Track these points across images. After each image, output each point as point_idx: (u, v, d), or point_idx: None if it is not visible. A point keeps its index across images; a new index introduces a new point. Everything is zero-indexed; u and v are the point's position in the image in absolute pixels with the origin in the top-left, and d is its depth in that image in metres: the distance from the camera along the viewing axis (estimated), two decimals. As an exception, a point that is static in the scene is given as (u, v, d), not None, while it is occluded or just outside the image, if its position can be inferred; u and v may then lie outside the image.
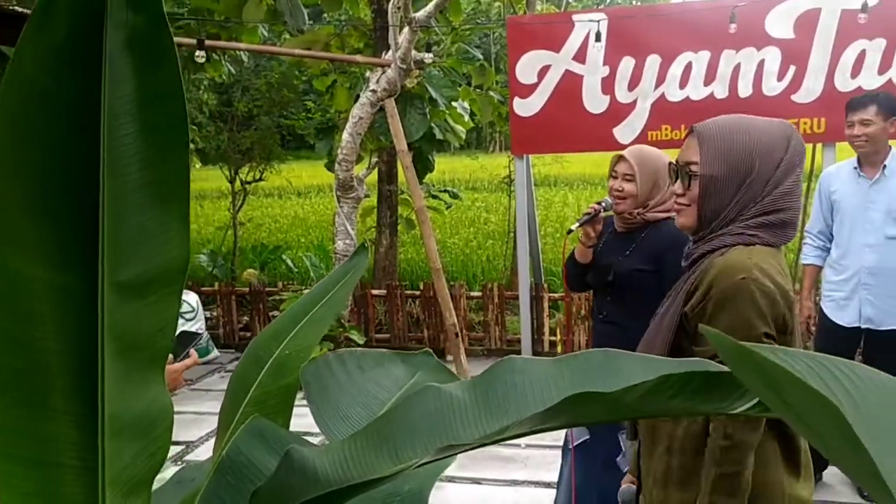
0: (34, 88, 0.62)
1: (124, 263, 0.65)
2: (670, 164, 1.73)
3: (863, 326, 3.62)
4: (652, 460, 1.65)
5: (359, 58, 6.06)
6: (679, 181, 1.67)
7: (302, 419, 1.07)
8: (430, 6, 5.26)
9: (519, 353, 4.92)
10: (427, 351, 1.06)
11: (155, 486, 0.83)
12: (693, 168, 1.61)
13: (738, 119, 1.64)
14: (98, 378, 0.65)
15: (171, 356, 1.58)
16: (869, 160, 3.56)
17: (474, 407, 0.70)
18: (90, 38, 0.63)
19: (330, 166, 6.69)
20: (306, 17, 5.91)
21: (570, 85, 5.28)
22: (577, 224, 2.82)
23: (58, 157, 0.63)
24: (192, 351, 1.62)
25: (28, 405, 0.63)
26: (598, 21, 5.15)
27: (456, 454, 0.65)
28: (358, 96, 5.83)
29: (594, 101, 5.28)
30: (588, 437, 2.72)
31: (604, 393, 0.63)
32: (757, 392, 0.58)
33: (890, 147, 3.57)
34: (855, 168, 3.63)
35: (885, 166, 3.52)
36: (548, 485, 3.96)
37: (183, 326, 6.23)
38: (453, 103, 7.05)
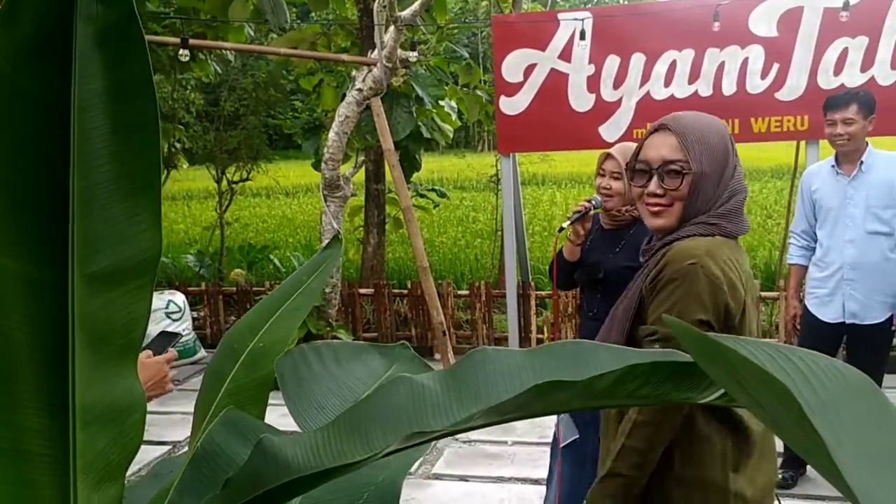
0: (4, 82, 0.62)
1: (95, 255, 0.65)
2: (629, 163, 1.71)
3: (847, 322, 3.65)
4: (607, 456, 1.66)
5: (345, 57, 6.06)
6: (656, 180, 1.62)
7: (287, 419, 1.08)
8: (416, 5, 5.26)
9: (506, 350, 4.93)
10: (404, 343, 1.06)
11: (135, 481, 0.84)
12: (681, 165, 1.58)
13: (700, 114, 1.66)
14: (69, 368, 0.65)
15: (150, 352, 1.58)
16: (848, 158, 3.60)
17: (445, 396, 0.71)
18: (60, 32, 0.63)
19: (317, 165, 6.69)
20: (288, 16, 5.89)
21: (555, 83, 5.30)
22: (569, 222, 2.83)
23: (28, 151, 0.64)
24: (171, 349, 1.63)
25: (-2, 395, 0.64)
26: (583, 20, 5.17)
27: (425, 442, 0.65)
28: (344, 95, 5.82)
29: (580, 100, 5.30)
30: (577, 436, 2.73)
31: (571, 382, 0.63)
32: (717, 378, 0.59)
33: (867, 144, 3.61)
34: (833, 166, 3.66)
35: (861, 163, 3.56)
36: (535, 481, 3.98)
37: (170, 327, 6.21)
38: (441, 102, 7.05)
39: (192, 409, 1.03)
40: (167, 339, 1.67)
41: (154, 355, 1.57)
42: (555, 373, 0.72)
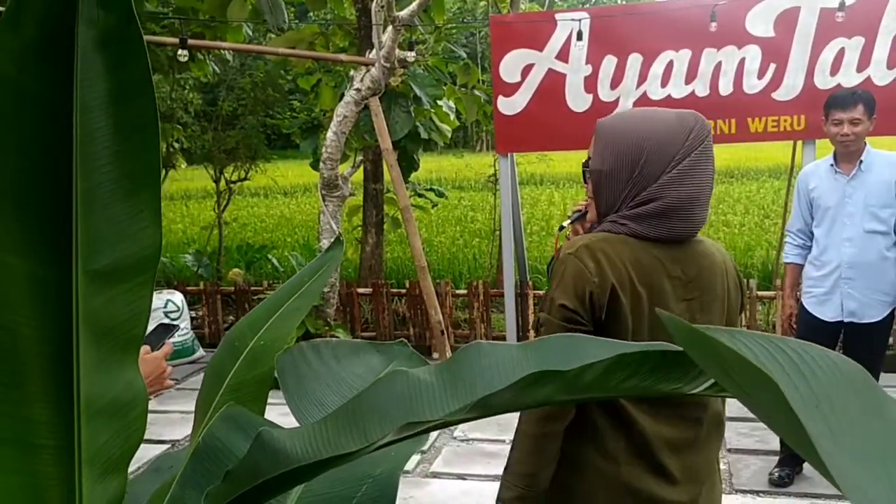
0: (9, 85, 0.64)
1: (97, 253, 0.67)
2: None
3: (845, 320, 3.67)
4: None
5: (343, 56, 6.08)
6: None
7: (287, 417, 1.09)
8: (414, 5, 5.28)
9: (504, 349, 4.95)
10: (402, 341, 1.08)
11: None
12: (586, 164, 1.64)
13: (634, 113, 1.63)
14: (73, 363, 0.67)
15: (147, 347, 1.59)
16: (848, 157, 3.62)
17: (441, 389, 0.73)
18: (62, 35, 0.64)
19: (315, 165, 6.70)
20: (286, 16, 5.91)
21: (553, 83, 5.31)
22: (568, 221, 2.84)
23: (33, 152, 0.65)
24: (168, 342, 1.64)
25: (5, 387, 0.65)
26: (580, 20, 5.19)
27: (421, 433, 0.67)
28: (343, 95, 5.84)
29: (577, 100, 5.32)
30: None
31: (562, 372, 0.65)
32: (707, 368, 0.61)
33: (865, 143, 3.63)
34: (832, 165, 3.68)
35: (861, 162, 3.58)
36: (532, 480, 3.99)
37: (168, 325, 6.13)
38: (439, 102, 7.07)
39: (190, 408, 1.05)
40: (165, 331, 1.67)
41: (152, 349, 1.58)
42: (549, 365, 0.74)
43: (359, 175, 6.98)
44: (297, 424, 0.99)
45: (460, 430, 4.77)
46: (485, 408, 0.68)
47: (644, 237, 1.54)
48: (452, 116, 7.37)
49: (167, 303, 6.19)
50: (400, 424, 0.67)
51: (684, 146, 1.52)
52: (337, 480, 0.86)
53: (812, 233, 3.79)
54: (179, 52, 4.74)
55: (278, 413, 1.15)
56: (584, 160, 1.70)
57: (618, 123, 1.60)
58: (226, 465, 0.84)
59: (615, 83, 5.24)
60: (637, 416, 1.53)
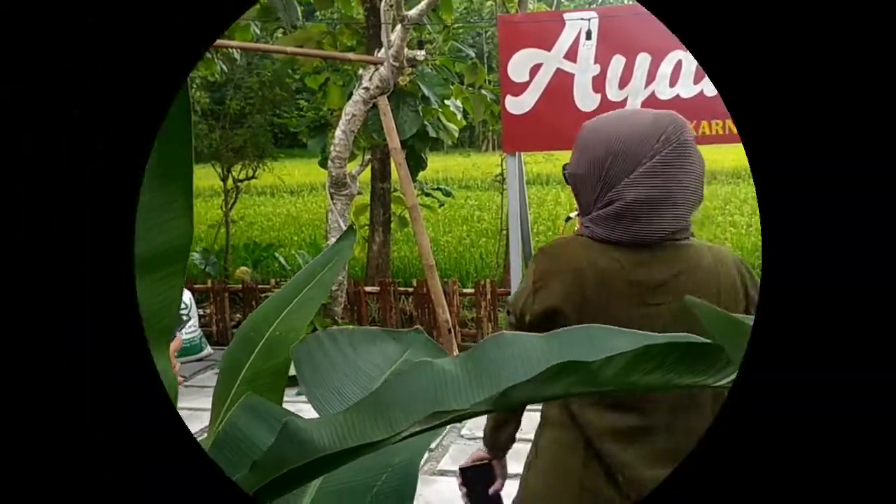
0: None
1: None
2: None
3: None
4: None
5: (351, 55, 6.09)
6: None
7: (300, 414, 1.10)
8: (423, 4, 5.29)
9: (511, 348, 4.95)
10: (418, 329, 1.09)
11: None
12: (566, 167, 1.66)
13: (612, 115, 1.58)
14: (105, 351, 0.68)
15: None
16: None
17: (466, 380, 0.73)
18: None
19: (323, 163, 6.72)
20: (299, 13, 5.92)
21: (561, 83, 5.31)
22: (576, 212, 2.87)
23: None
24: (178, 334, 1.65)
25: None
26: (589, 20, 5.19)
27: (445, 423, 0.68)
28: (351, 94, 5.85)
29: (585, 100, 5.31)
30: None
31: (585, 363, 0.65)
32: (733, 353, 0.62)
33: None
34: None
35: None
36: (539, 478, 3.99)
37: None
38: (446, 101, 7.08)
39: (199, 405, 1.06)
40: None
41: None
42: (573, 356, 0.74)
43: (366, 174, 6.99)
44: (312, 415, 1.00)
45: (467, 429, 4.77)
46: (509, 399, 0.68)
47: (604, 240, 1.51)
48: (459, 116, 7.38)
49: (175, 300, 6.22)
50: (425, 414, 0.68)
51: (654, 148, 1.46)
52: (362, 468, 0.87)
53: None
54: (189, 50, 4.75)
55: (299, 410, 1.16)
56: (564, 163, 1.71)
57: (593, 126, 1.59)
58: (247, 453, 0.85)
59: (623, 83, 5.24)
60: (592, 417, 1.53)
